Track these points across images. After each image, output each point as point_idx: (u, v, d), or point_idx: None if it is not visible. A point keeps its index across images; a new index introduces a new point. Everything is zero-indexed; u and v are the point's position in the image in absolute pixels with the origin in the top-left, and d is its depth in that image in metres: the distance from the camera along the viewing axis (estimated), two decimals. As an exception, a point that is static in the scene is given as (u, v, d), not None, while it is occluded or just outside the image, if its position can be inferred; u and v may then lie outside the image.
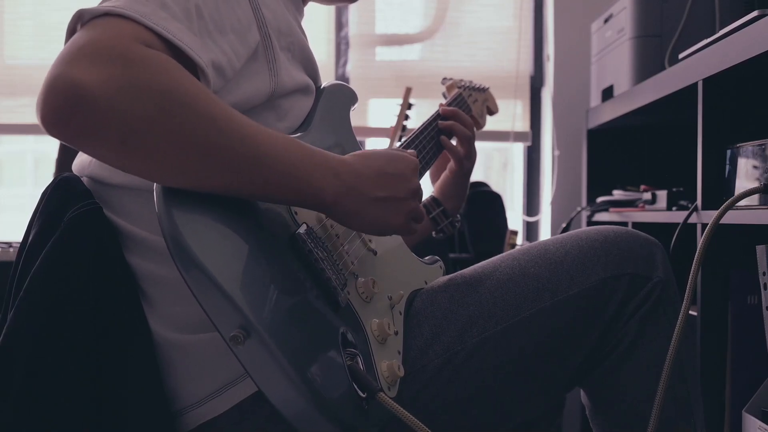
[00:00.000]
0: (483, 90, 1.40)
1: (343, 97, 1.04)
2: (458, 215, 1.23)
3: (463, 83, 1.35)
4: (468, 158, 1.20)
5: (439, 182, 1.24)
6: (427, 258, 1.04)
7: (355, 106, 1.07)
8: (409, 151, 0.91)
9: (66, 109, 0.62)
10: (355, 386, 0.73)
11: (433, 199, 1.21)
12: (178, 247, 0.66)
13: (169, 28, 0.70)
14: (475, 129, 1.28)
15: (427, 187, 1.23)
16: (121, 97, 0.63)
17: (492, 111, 1.43)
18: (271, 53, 0.84)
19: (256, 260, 0.72)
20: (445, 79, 1.36)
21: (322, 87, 1.00)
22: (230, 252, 0.70)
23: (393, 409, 0.73)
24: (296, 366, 0.67)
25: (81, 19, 0.69)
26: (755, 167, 1.16)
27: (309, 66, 0.96)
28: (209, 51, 0.74)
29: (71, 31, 0.70)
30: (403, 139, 1.09)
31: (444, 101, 1.27)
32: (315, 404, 0.68)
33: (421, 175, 1.08)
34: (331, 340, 0.75)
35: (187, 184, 0.70)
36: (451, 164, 1.21)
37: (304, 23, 1.00)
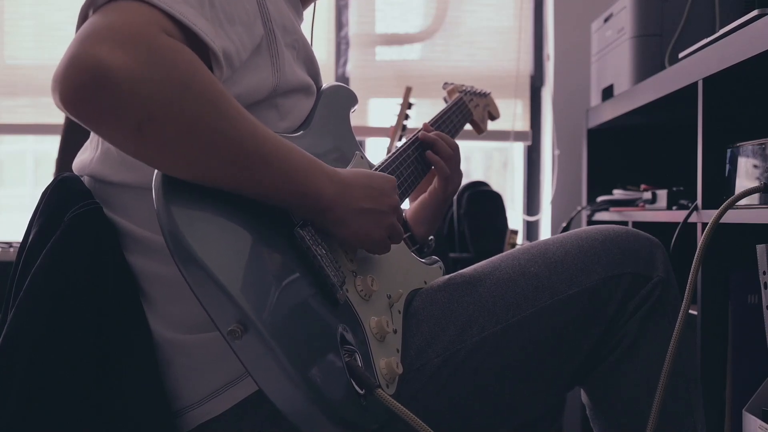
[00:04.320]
0: (484, 95, 1.40)
1: (343, 98, 1.04)
2: (431, 239, 1.17)
3: (464, 88, 1.34)
4: (452, 179, 1.14)
5: (414, 205, 1.17)
6: (427, 258, 1.04)
7: (355, 107, 1.07)
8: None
9: (88, 87, 0.62)
10: (353, 383, 0.73)
11: (402, 222, 1.15)
12: (176, 242, 0.67)
13: (184, 13, 0.70)
14: (477, 133, 1.27)
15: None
16: (143, 83, 0.63)
17: (493, 116, 1.42)
18: (274, 48, 0.85)
19: (255, 256, 0.72)
20: (446, 83, 1.36)
21: (321, 89, 1.00)
22: (228, 248, 0.70)
23: (391, 406, 0.73)
24: (294, 362, 0.67)
25: (94, 4, 0.69)
26: (755, 166, 1.16)
27: (311, 67, 0.96)
28: (221, 38, 0.75)
29: (84, 16, 0.70)
30: (386, 157, 1.04)
31: (445, 105, 1.27)
32: (313, 400, 0.68)
33: (405, 196, 1.05)
34: (330, 336, 0.75)
35: (194, 176, 0.70)
36: (434, 185, 1.15)
37: (303, 22, 1.01)
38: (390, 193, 0.87)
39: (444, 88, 1.35)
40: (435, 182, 1.15)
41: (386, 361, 0.81)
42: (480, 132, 1.37)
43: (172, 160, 0.69)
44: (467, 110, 1.30)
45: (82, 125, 0.67)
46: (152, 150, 0.67)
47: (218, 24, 0.75)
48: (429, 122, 1.17)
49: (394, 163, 1.04)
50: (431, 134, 1.12)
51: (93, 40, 0.63)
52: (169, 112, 0.65)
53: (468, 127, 1.35)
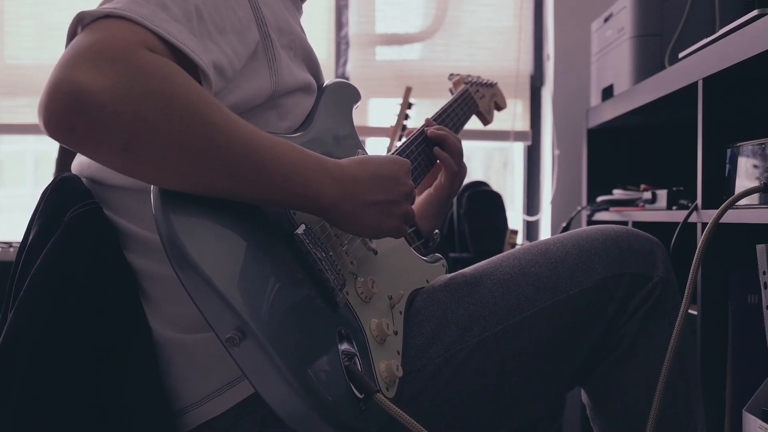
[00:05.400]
0: (491, 85, 1.39)
1: (346, 95, 1.04)
2: (436, 233, 1.18)
3: (470, 79, 1.34)
4: (459, 175, 1.15)
5: (419, 200, 1.18)
6: (429, 256, 1.04)
7: (358, 104, 1.07)
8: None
9: (69, 113, 0.62)
10: (353, 387, 0.73)
11: None
12: (174, 248, 0.67)
13: (170, 30, 0.70)
14: (484, 124, 1.26)
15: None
16: (125, 103, 0.63)
17: (500, 106, 1.42)
18: (271, 52, 0.84)
19: (254, 261, 0.72)
20: (452, 74, 1.36)
21: (324, 85, 1.00)
22: (227, 253, 0.70)
23: (390, 411, 0.73)
24: (293, 367, 0.67)
25: (81, 22, 0.69)
26: (755, 166, 1.16)
27: (311, 64, 0.96)
28: (210, 52, 0.74)
29: (72, 34, 0.70)
30: (390, 152, 1.04)
31: (451, 97, 1.26)
32: (312, 405, 0.68)
33: None
34: (329, 340, 0.75)
35: (189, 188, 0.70)
36: (440, 180, 1.16)
37: (303, 22, 1.00)
38: (403, 179, 0.85)
39: (450, 80, 1.35)
40: (441, 178, 1.15)
41: (386, 364, 0.81)
42: (486, 123, 1.37)
43: (163, 174, 0.68)
44: (473, 102, 1.30)
45: (69, 149, 0.67)
46: (142, 167, 0.67)
47: (207, 37, 0.74)
48: (432, 116, 1.18)
49: (402, 154, 1.04)
50: (440, 130, 1.12)
51: (73, 63, 0.63)
52: (153, 129, 0.65)
53: (474, 120, 1.34)
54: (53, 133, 0.64)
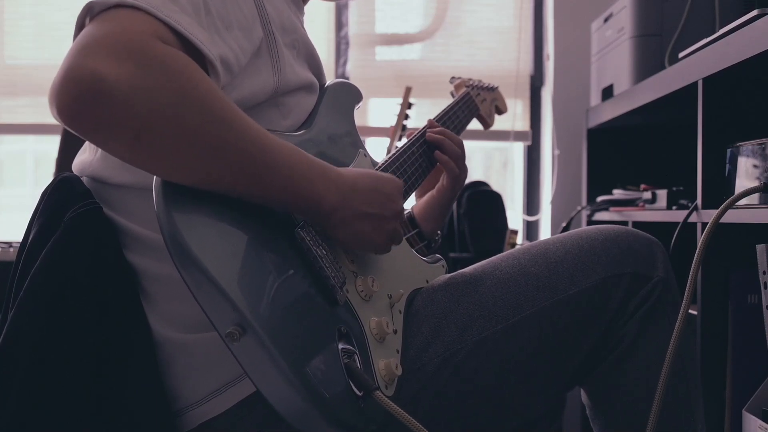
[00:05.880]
0: (492, 89, 1.39)
1: (348, 95, 1.04)
2: (438, 235, 1.18)
3: (471, 82, 1.34)
4: (460, 177, 1.15)
5: (422, 202, 1.18)
6: (429, 257, 1.04)
7: (360, 104, 1.07)
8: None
9: (84, 100, 0.62)
10: (352, 384, 0.73)
11: (409, 219, 1.16)
12: (176, 244, 0.67)
13: (180, 22, 0.70)
14: (485, 127, 1.26)
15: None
16: (139, 93, 0.63)
17: (501, 110, 1.42)
18: (274, 50, 0.84)
19: (255, 258, 0.72)
20: (453, 78, 1.36)
21: (326, 85, 1.00)
22: (228, 250, 0.70)
23: (389, 408, 0.73)
24: (292, 363, 0.67)
25: (91, 12, 0.69)
26: (755, 166, 1.16)
27: (313, 64, 0.96)
28: (217, 46, 0.75)
29: (80, 25, 0.70)
30: (391, 153, 1.05)
31: (452, 100, 1.26)
32: (311, 402, 0.68)
33: (409, 193, 1.05)
34: (329, 338, 0.75)
35: (195, 183, 0.70)
36: (443, 183, 1.16)
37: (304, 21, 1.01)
38: (396, 198, 0.86)
39: (451, 83, 1.35)
40: (443, 180, 1.16)
41: (385, 362, 0.81)
42: (487, 127, 1.37)
43: (171, 168, 0.68)
44: (474, 105, 1.30)
45: (80, 137, 0.67)
46: (151, 159, 0.67)
47: (215, 31, 0.75)
48: (434, 118, 1.18)
49: (398, 160, 1.04)
50: (438, 135, 1.12)
51: (88, 51, 0.63)
52: (166, 121, 0.65)
53: (474, 122, 1.35)
54: (65, 120, 0.64)
